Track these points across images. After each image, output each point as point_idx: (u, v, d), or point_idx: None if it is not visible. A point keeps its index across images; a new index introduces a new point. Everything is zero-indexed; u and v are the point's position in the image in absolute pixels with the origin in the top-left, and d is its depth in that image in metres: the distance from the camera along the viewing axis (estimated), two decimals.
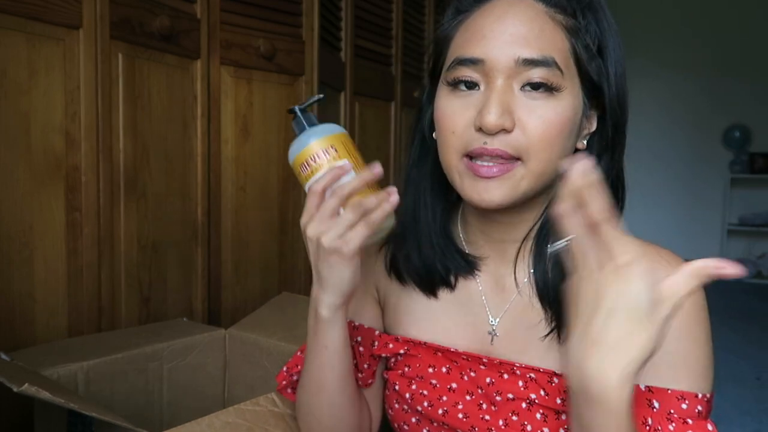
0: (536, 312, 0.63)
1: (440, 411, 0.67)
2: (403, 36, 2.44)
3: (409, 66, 2.50)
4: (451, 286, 0.68)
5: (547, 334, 0.61)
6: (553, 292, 0.61)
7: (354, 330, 0.74)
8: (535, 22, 0.56)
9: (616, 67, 0.60)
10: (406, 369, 0.70)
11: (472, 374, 0.65)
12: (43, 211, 1.17)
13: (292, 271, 1.78)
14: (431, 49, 0.65)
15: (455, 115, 0.59)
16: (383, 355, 0.72)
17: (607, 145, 0.62)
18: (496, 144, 0.56)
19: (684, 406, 0.56)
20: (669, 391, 0.56)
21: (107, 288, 1.30)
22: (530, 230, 0.64)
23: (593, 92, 0.60)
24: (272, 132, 1.70)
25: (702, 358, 0.57)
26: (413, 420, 0.70)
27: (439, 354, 0.68)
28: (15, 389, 0.68)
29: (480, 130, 0.56)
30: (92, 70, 1.23)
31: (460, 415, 0.66)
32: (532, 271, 0.64)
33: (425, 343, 0.69)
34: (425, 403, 0.68)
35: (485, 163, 0.57)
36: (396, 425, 0.74)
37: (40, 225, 1.17)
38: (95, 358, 0.98)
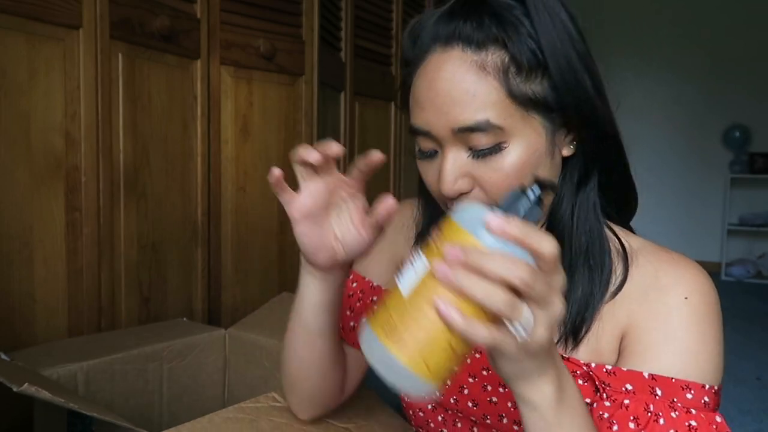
0: None
1: (452, 399, 0.68)
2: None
3: None
4: None
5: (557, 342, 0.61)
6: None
7: (371, 289, 0.76)
8: (465, 81, 0.54)
9: (563, 72, 0.55)
10: None
11: (477, 356, 0.66)
12: (43, 211, 1.17)
13: (292, 271, 1.78)
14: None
15: (427, 176, 0.61)
16: None
17: (590, 150, 0.60)
18: None
19: (689, 395, 0.55)
20: (673, 380, 0.56)
21: (107, 288, 1.30)
22: None
23: (547, 108, 0.57)
24: (272, 132, 1.70)
25: (711, 354, 0.57)
26: (429, 407, 0.72)
27: None
28: (15, 389, 0.68)
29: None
30: (92, 70, 1.23)
31: (470, 403, 0.66)
32: None
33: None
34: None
35: None
36: (411, 412, 0.75)
37: (40, 225, 1.17)
38: (95, 358, 0.98)
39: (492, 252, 0.40)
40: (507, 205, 0.45)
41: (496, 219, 0.41)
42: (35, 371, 0.88)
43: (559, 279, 0.42)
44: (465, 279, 0.40)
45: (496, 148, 0.55)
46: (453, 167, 0.57)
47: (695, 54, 4.67)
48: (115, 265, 1.32)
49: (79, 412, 0.72)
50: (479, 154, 0.56)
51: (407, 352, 0.41)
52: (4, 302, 1.11)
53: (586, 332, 0.60)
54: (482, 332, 0.40)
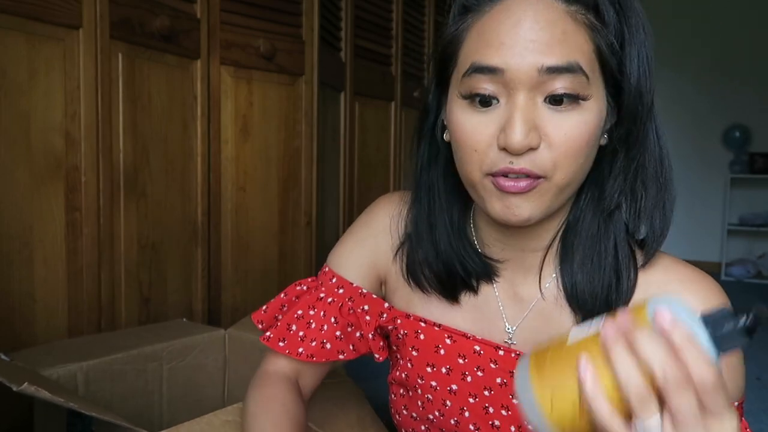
0: (565, 318, 0.61)
1: (452, 421, 0.65)
2: (403, 36, 2.44)
3: (409, 66, 2.50)
4: (474, 290, 0.66)
5: None
6: (583, 295, 0.59)
7: (361, 297, 0.71)
8: (557, 25, 0.51)
9: (638, 62, 0.55)
10: (409, 365, 0.69)
11: (479, 374, 0.64)
12: (43, 211, 1.17)
13: (292, 271, 1.78)
14: (438, 49, 0.60)
15: (476, 132, 0.54)
16: (390, 327, 0.70)
17: (622, 140, 0.58)
18: (522, 164, 0.52)
19: None
20: None
21: (107, 288, 1.30)
22: (554, 239, 0.62)
23: (615, 89, 0.56)
24: (272, 132, 1.70)
25: (733, 377, 0.57)
26: (422, 428, 0.69)
27: (449, 342, 0.66)
28: (14, 388, 0.68)
29: (504, 149, 0.52)
30: (92, 70, 1.23)
31: (471, 426, 0.64)
32: (555, 275, 0.62)
33: (440, 326, 0.67)
34: (436, 412, 0.67)
35: (512, 179, 0.53)
36: (403, 430, 0.73)
37: (40, 225, 1.16)
38: (95, 358, 0.98)
39: (657, 341, 0.38)
40: (710, 316, 0.40)
41: (665, 315, 0.38)
42: (35, 371, 0.88)
43: (714, 408, 0.36)
44: (617, 350, 0.38)
45: (576, 98, 0.52)
46: (527, 116, 0.51)
47: (695, 54, 4.67)
48: (115, 265, 1.32)
49: (78, 411, 0.72)
50: (558, 100, 0.52)
51: (542, 386, 0.43)
52: (4, 302, 1.11)
53: None
54: (602, 410, 0.38)
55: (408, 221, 0.69)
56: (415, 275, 0.68)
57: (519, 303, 0.64)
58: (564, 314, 0.61)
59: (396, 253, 0.70)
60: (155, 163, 1.41)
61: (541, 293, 0.62)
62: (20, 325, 1.14)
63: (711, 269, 4.61)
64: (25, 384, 0.68)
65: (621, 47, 0.54)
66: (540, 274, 0.62)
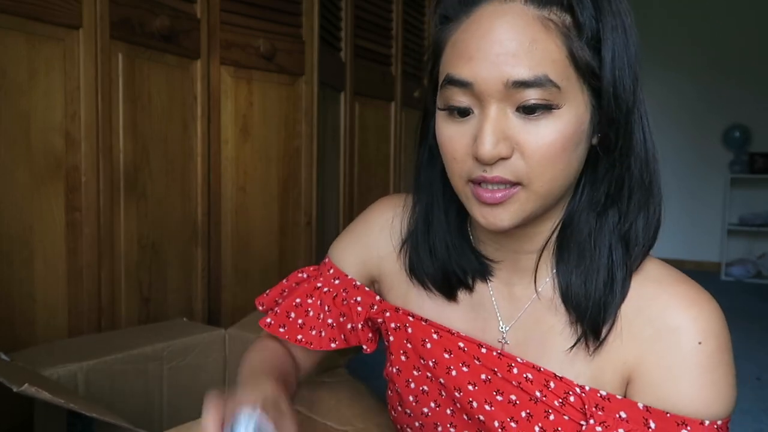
0: (560, 318, 0.60)
1: (448, 411, 0.66)
2: (403, 36, 2.44)
3: (409, 66, 2.50)
4: (469, 288, 0.67)
5: (573, 345, 0.59)
6: (577, 296, 0.58)
7: (355, 289, 0.73)
8: (526, 34, 0.51)
9: (613, 64, 0.54)
10: (403, 358, 0.69)
11: (464, 369, 0.64)
12: (43, 211, 1.17)
13: (292, 270, 1.78)
14: (426, 55, 0.62)
15: (453, 141, 0.56)
16: (379, 320, 0.72)
17: (602, 143, 0.57)
18: (496, 172, 0.53)
19: (684, 431, 0.54)
20: (668, 415, 0.54)
21: (107, 288, 1.30)
22: (547, 241, 0.61)
23: (595, 91, 0.55)
24: (272, 132, 1.70)
25: (720, 396, 0.55)
26: (416, 424, 0.70)
27: (436, 337, 0.67)
28: (15, 389, 0.68)
29: (478, 159, 0.54)
30: (92, 70, 1.23)
31: (465, 416, 0.65)
32: (551, 276, 0.62)
33: (426, 321, 0.68)
34: (432, 404, 0.68)
35: (488, 190, 0.55)
36: (398, 426, 0.74)
37: (40, 225, 1.16)
38: (95, 358, 0.98)
39: None
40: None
41: None
42: (35, 371, 0.88)
43: None
44: None
45: (549, 107, 0.52)
46: (496, 127, 0.52)
47: (695, 53, 4.67)
48: (115, 265, 1.32)
49: (79, 412, 0.72)
50: (529, 110, 0.52)
51: None
52: (4, 302, 1.11)
53: (608, 334, 0.57)
54: None
55: (410, 220, 0.70)
56: (416, 272, 0.69)
57: (514, 303, 0.64)
58: (559, 315, 0.61)
59: (399, 252, 0.71)
60: (155, 163, 1.41)
61: (537, 294, 0.63)
62: (20, 325, 1.14)
63: (711, 269, 4.61)
64: (26, 385, 0.68)
65: (598, 50, 0.54)
66: (536, 275, 0.63)
